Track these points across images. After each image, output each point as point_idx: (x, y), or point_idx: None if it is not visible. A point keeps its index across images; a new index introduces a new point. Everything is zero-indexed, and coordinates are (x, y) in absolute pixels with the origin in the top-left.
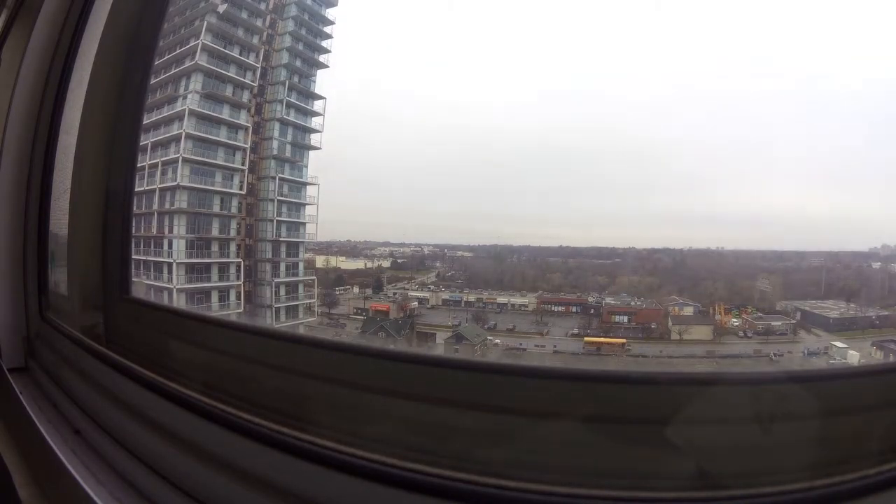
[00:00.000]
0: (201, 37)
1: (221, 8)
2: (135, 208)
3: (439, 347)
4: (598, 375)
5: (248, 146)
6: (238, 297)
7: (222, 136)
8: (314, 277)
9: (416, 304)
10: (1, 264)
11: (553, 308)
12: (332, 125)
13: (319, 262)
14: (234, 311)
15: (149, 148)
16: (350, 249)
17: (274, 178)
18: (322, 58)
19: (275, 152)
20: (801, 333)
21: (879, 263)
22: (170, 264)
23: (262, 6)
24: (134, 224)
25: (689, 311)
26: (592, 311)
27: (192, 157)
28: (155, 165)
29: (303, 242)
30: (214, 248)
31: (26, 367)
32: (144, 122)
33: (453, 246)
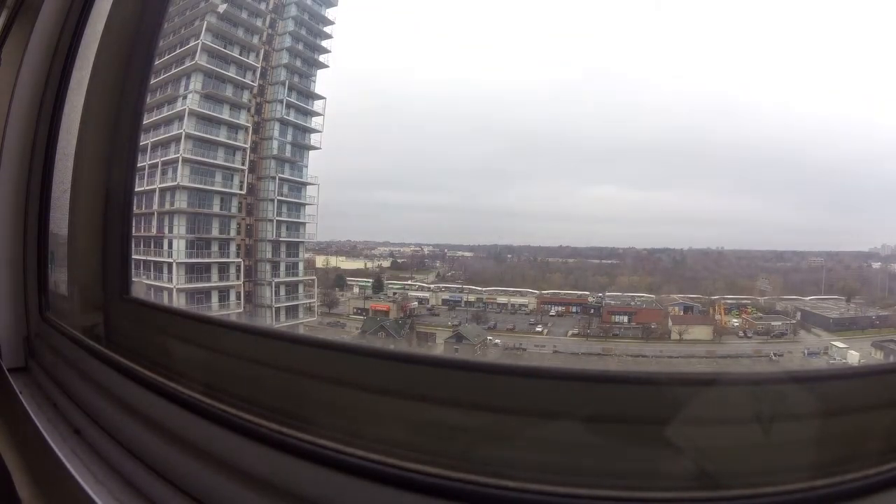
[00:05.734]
0: (201, 37)
1: (221, 8)
2: (135, 208)
3: (439, 347)
4: (598, 375)
5: (248, 146)
6: (238, 297)
7: (222, 136)
8: (314, 277)
9: (416, 304)
10: (1, 264)
11: (553, 308)
12: (332, 124)
13: (319, 262)
14: (234, 311)
15: (149, 148)
16: (350, 249)
17: (274, 178)
18: (322, 58)
19: (275, 152)
20: (801, 333)
21: (879, 263)
22: (170, 264)
23: (262, 6)
24: (134, 224)
25: (689, 311)
26: (592, 311)
27: (192, 157)
28: (155, 165)
29: (303, 242)
30: (214, 248)
31: (26, 367)
32: (144, 122)
33: (453, 246)
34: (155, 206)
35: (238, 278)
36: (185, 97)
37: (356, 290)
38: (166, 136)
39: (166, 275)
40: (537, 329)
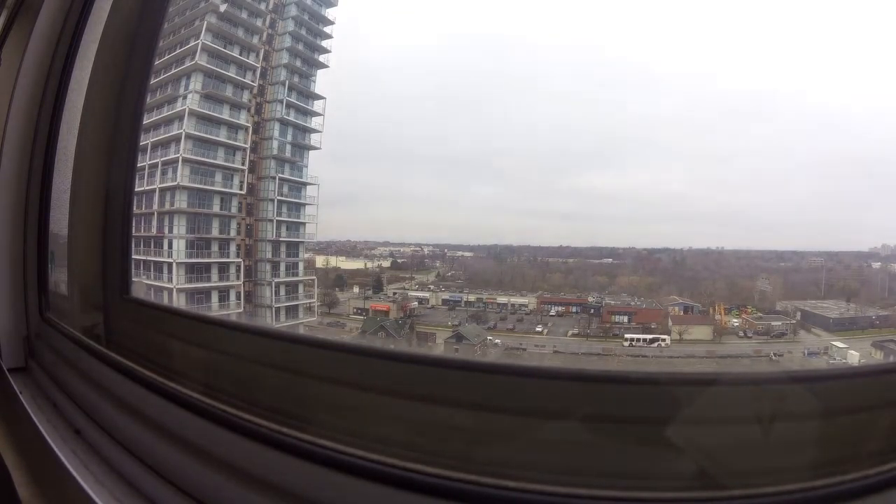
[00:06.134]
0: (201, 37)
1: (222, 8)
2: (135, 208)
3: (439, 347)
4: (598, 375)
5: (247, 146)
6: (238, 297)
7: (222, 136)
8: (314, 277)
9: (416, 304)
10: (1, 264)
11: (553, 308)
12: (332, 124)
13: (319, 262)
14: (234, 311)
15: (149, 148)
16: (350, 249)
17: (274, 178)
18: (322, 58)
19: (275, 152)
20: (801, 333)
21: (879, 263)
22: (170, 264)
23: (262, 6)
24: (134, 224)
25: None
26: (592, 311)
27: (192, 157)
28: (155, 165)
29: (303, 242)
30: (214, 248)
31: (26, 367)
32: (144, 122)
33: (453, 246)
34: (155, 206)
35: (238, 278)
36: (185, 97)
37: (356, 289)
38: (166, 136)
39: (166, 275)
40: (537, 329)
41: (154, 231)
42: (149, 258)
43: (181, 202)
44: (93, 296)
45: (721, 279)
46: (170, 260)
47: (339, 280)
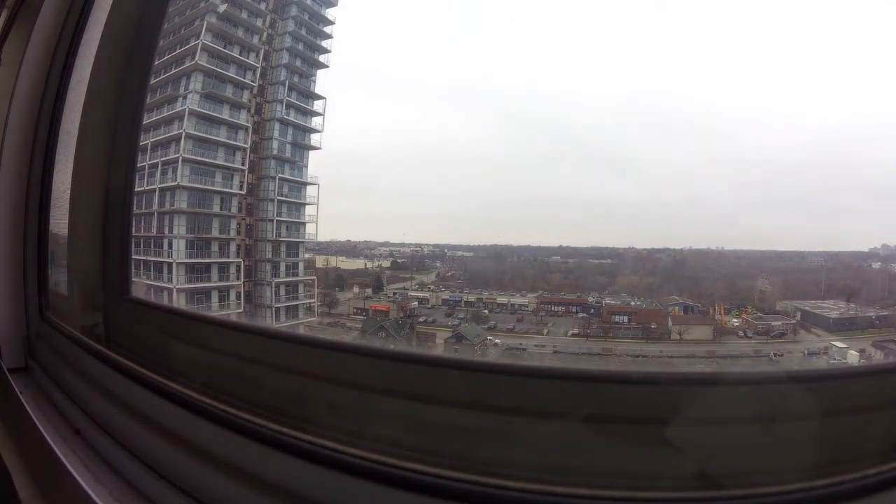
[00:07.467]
0: (201, 37)
1: (221, 8)
2: (135, 208)
3: (439, 347)
4: (598, 375)
5: (248, 146)
6: (238, 297)
7: (222, 136)
8: (314, 277)
9: (416, 304)
10: (1, 264)
11: (553, 308)
12: (333, 125)
13: (319, 262)
14: (234, 311)
15: (149, 148)
16: (350, 249)
17: (274, 177)
18: (322, 58)
19: (275, 152)
20: (801, 333)
21: (879, 263)
22: (170, 264)
23: (262, 6)
24: (134, 224)
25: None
26: (592, 311)
27: (192, 157)
28: (155, 165)
29: (303, 242)
30: (214, 248)
31: (26, 367)
32: (144, 122)
33: (453, 246)
34: (155, 206)
35: (238, 278)
36: (185, 97)
37: (356, 289)
38: (166, 136)
39: (166, 275)
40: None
41: (154, 231)
42: (149, 258)
43: (181, 202)
44: (93, 296)
45: (721, 279)
46: (170, 260)
47: (340, 280)
